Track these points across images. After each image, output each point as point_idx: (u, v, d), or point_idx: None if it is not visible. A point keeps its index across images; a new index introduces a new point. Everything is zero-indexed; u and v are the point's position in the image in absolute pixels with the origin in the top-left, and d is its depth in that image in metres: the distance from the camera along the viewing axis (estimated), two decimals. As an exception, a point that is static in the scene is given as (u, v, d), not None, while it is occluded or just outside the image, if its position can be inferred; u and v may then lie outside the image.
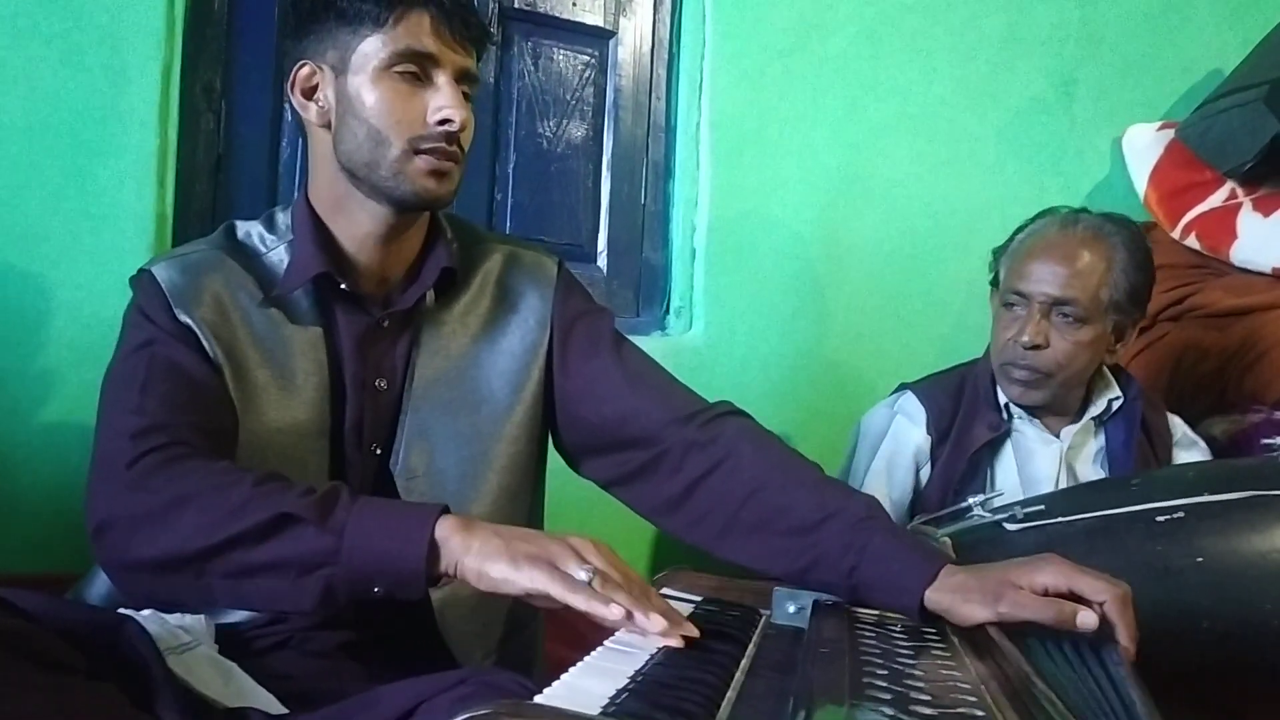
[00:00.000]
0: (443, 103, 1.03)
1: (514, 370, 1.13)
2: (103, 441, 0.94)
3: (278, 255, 1.09)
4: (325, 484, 0.89)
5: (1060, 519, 1.22)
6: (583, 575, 0.80)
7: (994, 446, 1.62)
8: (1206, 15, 2.40)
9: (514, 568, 0.81)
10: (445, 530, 0.84)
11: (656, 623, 0.78)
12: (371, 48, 1.02)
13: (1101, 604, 0.85)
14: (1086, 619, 0.83)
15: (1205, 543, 1.15)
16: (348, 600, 0.86)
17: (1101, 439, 1.65)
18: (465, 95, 1.06)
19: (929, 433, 1.64)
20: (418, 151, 1.03)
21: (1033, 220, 1.65)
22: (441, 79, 1.04)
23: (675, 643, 0.77)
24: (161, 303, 1.02)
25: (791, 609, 0.96)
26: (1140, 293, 1.60)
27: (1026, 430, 1.64)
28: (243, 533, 0.85)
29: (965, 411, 1.64)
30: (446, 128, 1.03)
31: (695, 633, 0.79)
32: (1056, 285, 1.55)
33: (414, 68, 1.03)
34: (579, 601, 0.78)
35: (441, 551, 0.84)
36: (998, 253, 1.67)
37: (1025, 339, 1.55)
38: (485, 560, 0.82)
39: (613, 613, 0.77)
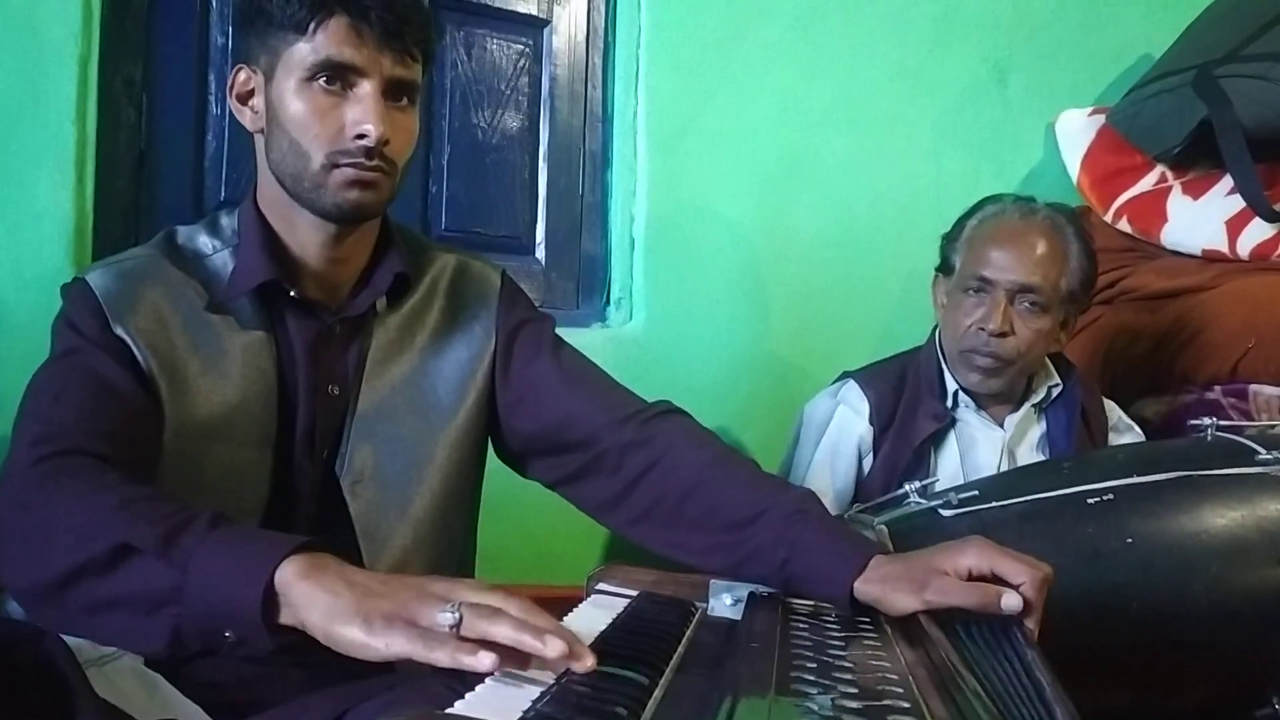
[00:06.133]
0: (359, 116, 0.99)
1: (460, 377, 1.13)
2: (9, 450, 0.90)
3: (221, 260, 1.06)
4: (220, 500, 0.82)
5: (994, 504, 1.24)
6: (447, 618, 0.67)
7: (937, 436, 1.62)
8: (1137, 0, 2.44)
9: (368, 632, 0.68)
10: (288, 575, 0.72)
11: (554, 645, 0.65)
12: (298, 55, 0.99)
13: (1020, 585, 0.85)
14: (1010, 601, 0.84)
15: (1135, 524, 1.18)
16: (202, 646, 0.76)
17: (1043, 425, 1.66)
18: (408, 102, 1.03)
19: (871, 423, 1.64)
20: (336, 165, 1.00)
21: (980, 206, 1.64)
22: (364, 90, 0.99)
23: (582, 666, 0.66)
24: (95, 314, 0.98)
25: (728, 601, 0.96)
26: (1090, 284, 1.63)
27: (970, 419, 1.64)
28: (88, 562, 0.77)
29: (908, 401, 1.64)
30: (364, 142, 0.99)
31: (593, 663, 0.67)
32: (1023, 273, 1.55)
33: (336, 77, 0.99)
34: (443, 658, 0.66)
35: (282, 601, 0.72)
36: (948, 238, 1.66)
37: (993, 326, 1.54)
38: (334, 621, 0.70)
39: (482, 662, 0.65)
